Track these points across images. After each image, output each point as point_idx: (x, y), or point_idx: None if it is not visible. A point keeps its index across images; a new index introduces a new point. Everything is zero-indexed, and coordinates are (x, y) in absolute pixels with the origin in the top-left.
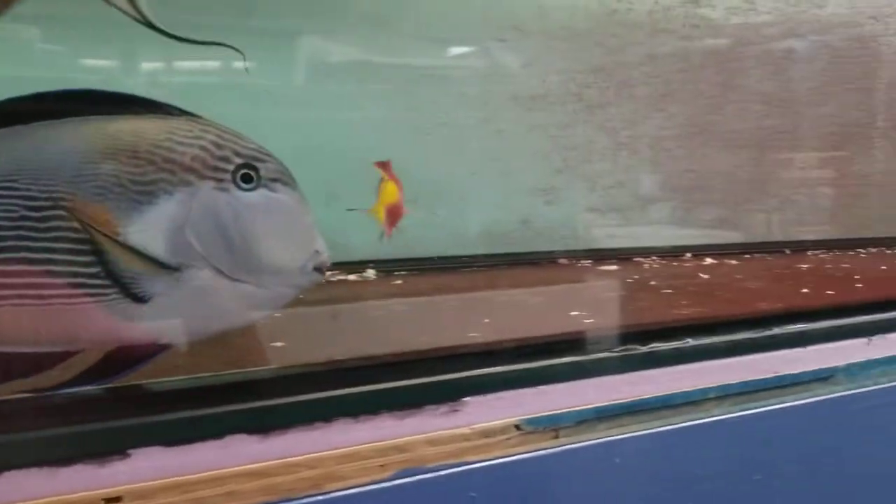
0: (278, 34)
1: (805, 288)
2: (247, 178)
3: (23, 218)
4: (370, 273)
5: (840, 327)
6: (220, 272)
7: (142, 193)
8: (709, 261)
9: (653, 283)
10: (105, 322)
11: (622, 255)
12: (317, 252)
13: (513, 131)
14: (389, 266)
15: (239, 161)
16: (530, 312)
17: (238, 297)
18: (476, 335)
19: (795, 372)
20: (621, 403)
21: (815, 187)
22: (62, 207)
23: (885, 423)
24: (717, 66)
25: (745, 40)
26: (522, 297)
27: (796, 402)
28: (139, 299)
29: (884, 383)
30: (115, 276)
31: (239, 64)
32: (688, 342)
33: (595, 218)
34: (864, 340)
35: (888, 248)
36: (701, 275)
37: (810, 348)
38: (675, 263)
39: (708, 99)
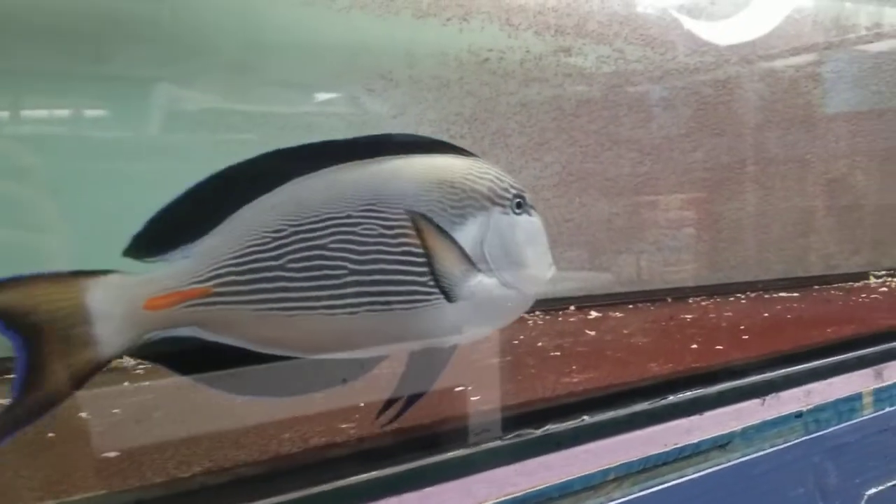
0: (133, 81)
1: (694, 343)
2: (518, 205)
3: (380, 235)
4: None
5: (734, 389)
6: (500, 280)
7: (456, 216)
8: (594, 314)
9: (539, 343)
10: (423, 323)
11: None
12: (551, 264)
13: None
14: None
15: (514, 192)
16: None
17: (507, 301)
18: (350, 427)
19: (694, 441)
20: (517, 497)
21: (691, 232)
22: (406, 227)
23: (783, 485)
24: (591, 114)
25: (616, 88)
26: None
27: (696, 475)
28: (451, 301)
29: (780, 444)
30: (441, 281)
31: (91, 112)
32: (584, 420)
33: None
34: (758, 401)
35: (765, 291)
36: (587, 331)
37: (707, 414)
38: (560, 318)
39: (583, 147)
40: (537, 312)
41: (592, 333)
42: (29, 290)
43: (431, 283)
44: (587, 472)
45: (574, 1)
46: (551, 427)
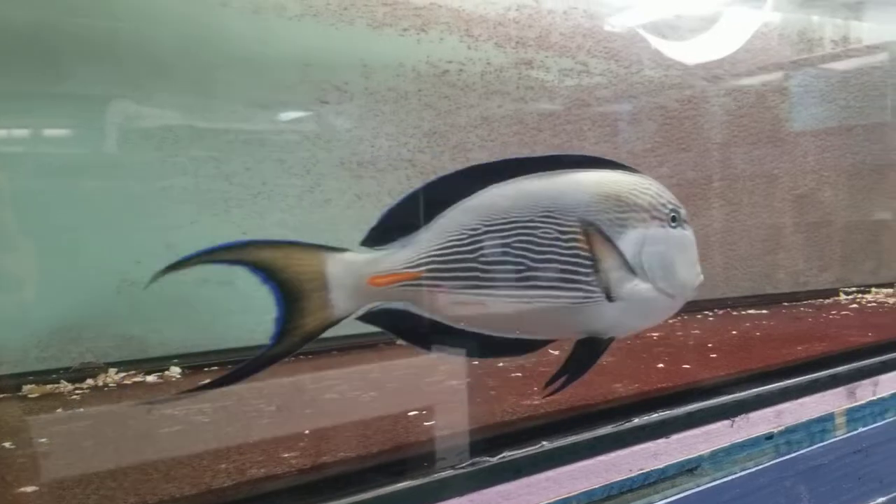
0: (89, 100)
1: (660, 362)
2: (674, 220)
3: (555, 239)
4: (175, 371)
5: (702, 410)
6: (654, 286)
7: (620, 226)
8: None
9: (501, 363)
10: (585, 317)
11: None
12: (698, 273)
13: (340, 200)
14: (200, 360)
15: (671, 207)
16: (356, 415)
17: (658, 304)
18: (294, 456)
19: (660, 466)
20: None
21: None
22: (577, 233)
23: None
24: (554, 128)
25: (580, 102)
26: (351, 396)
27: (662, 502)
28: (611, 300)
29: (750, 468)
30: (603, 283)
31: (50, 132)
32: (544, 445)
33: None
34: (727, 423)
35: (733, 309)
36: (551, 350)
37: (674, 437)
38: None
39: None
40: None
41: (556, 353)
42: (285, 253)
43: (595, 283)
44: (548, 501)
45: (536, 13)
46: (508, 453)
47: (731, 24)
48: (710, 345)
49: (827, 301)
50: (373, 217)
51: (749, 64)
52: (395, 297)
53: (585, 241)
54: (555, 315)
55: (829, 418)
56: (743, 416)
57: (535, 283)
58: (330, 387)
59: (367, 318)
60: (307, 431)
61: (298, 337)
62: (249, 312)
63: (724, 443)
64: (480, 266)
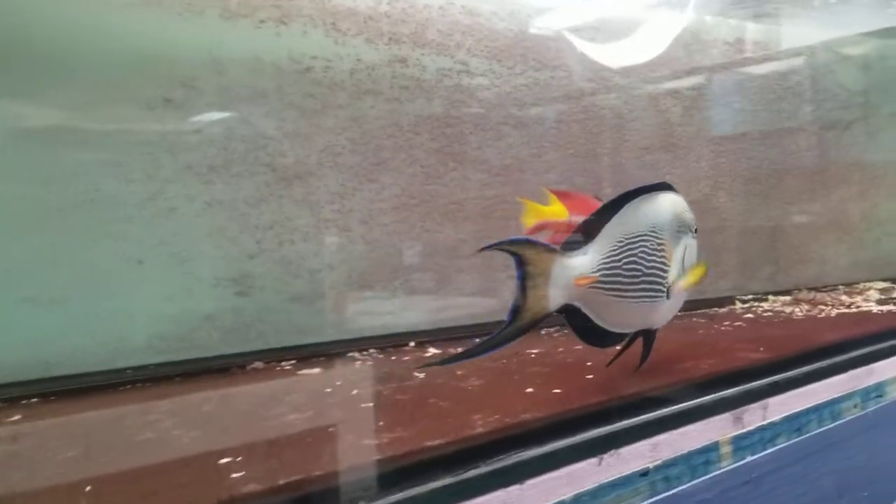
0: None
1: (531, 386)
2: (694, 230)
3: (655, 249)
4: None
5: (565, 448)
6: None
7: (676, 238)
8: (432, 350)
9: (355, 391)
10: (654, 312)
11: (335, 352)
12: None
13: (188, 209)
14: (14, 391)
15: (693, 219)
16: (154, 462)
17: (681, 300)
18: None
19: None
20: None
21: None
22: (664, 244)
23: None
24: (432, 131)
25: (460, 104)
26: (172, 434)
27: None
28: (668, 297)
29: None
30: (668, 284)
31: None
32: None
33: (300, 308)
34: (594, 461)
35: None
36: (418, 374)
37: (529, 483)
38: (393, 357)
39: (425, 167)
40: (371, 350)
41: (421, 376)
42: (530, 248)
43: (666, 284)
44: None
45: (410, 7)
46: None
47: (625, 25)
48: (589, 363)
49: (722, 310)
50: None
51: (642, 66)
52: (586, 297)
53: (666, 251)
54: (644, 311)
55: (713, 448)
56: (613, 451)
57: (644, 286)
58: (153, 422)
59: (565, 313)
60: (88, 489)
61: (523, 322)
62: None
63: (590, 484)
64: (621, 272)
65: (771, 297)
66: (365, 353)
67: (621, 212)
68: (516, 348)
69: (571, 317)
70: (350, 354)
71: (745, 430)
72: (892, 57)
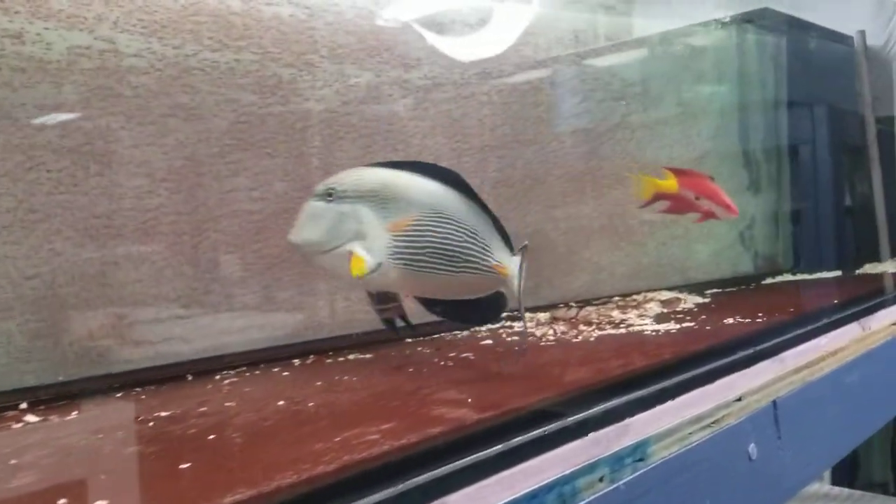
0: None
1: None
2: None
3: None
4: None
5: None
6: None
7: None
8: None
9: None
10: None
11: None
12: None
13: None
14: None
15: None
16: None
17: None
18: None
19: None
20: None
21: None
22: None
23: None
24: (65, 126)
25: (106, 92)
26: None
27: None
28: None
29: None
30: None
31: None
32: None
33: None
34: None
35: (338, 352)
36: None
37: None
38: None
39: (51, 172)
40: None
41: (204, 409)
42: None
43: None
44: None
45: None
46: None
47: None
48: (236, 429)
49: (461, 335)
50: None
51: (360, 52)
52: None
53: None
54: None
55: None
56: None
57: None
58: None
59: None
60: None
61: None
62: None
63: None
64: None
65: (528, 315)
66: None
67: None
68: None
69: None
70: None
71: None
72: (683, 46)
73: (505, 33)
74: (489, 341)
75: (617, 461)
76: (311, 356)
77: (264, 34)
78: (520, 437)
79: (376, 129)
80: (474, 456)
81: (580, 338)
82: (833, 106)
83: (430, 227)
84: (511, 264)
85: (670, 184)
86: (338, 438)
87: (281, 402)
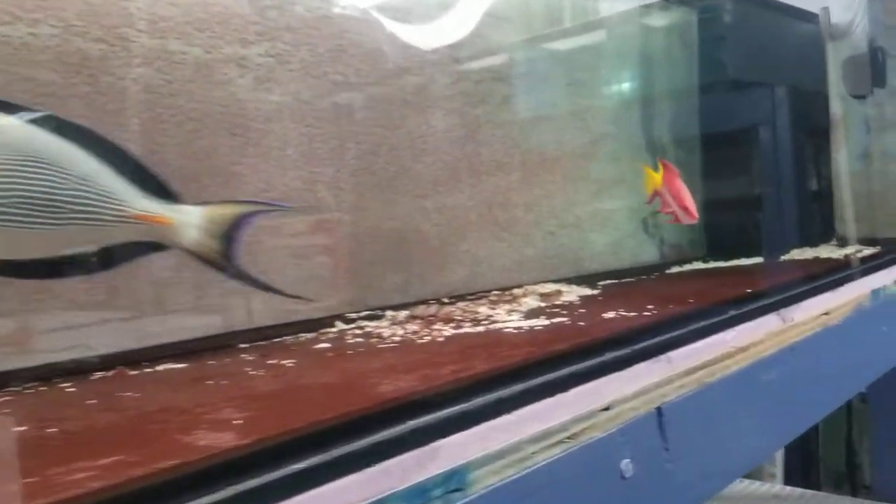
0: None
1: None
2: None
3: None
4: None
5: None
6: None
7: None
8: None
9: None
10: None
11: None
12: None
13: None
14: None
15: None
16: None
17: None
18: None
19: None
20: None
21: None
22: None
23: None
24: None
25: None
26: None
27: None
28: None
29: None
30: None
31: None
32: None
33: None
34: None
35: (143, 363)
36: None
37: None
38: None
39: None
40: None
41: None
42: None
43: None
44: None
45: None
46: None
47: None
48: None
49: (307, 336)
50: None
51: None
52: None
53: None
54: None
55: None
56: None
57: None
58: None
59: None
60: None
61: None
62: None
63: None
64: None
65: (390, 313)
66: None
67: None
68: None
69: None
70: None
71: None
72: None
73: (366, 1)
74: (327, 344)
75: (418, 495)
76: (117, 368)
77: (67, 5)
78: (281, 471)
79: (208, 112)
80: (208, 497)
81: (428, 338)
82: (767, 86)
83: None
84: (178, 214)
85: (659, 178)
86: (33, 479)
87: (24, 427)
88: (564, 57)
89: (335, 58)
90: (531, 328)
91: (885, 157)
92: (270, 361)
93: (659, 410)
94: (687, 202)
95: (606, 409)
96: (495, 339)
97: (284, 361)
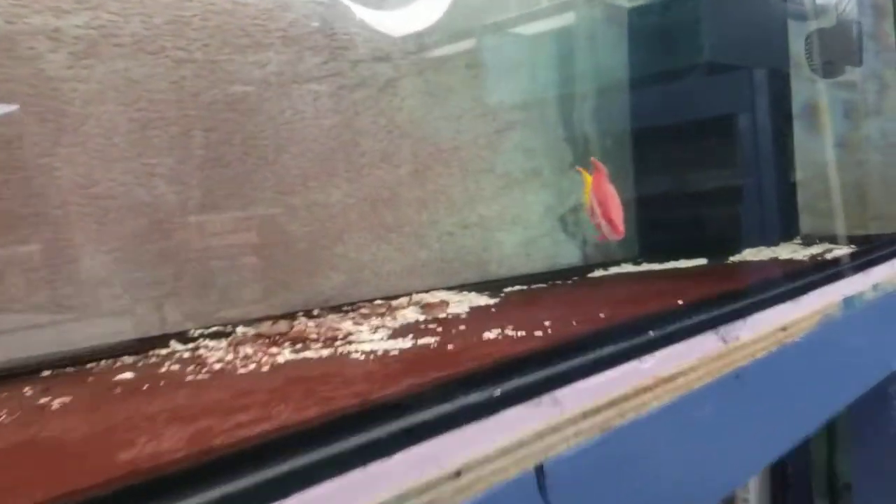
0: None
1: None
2: None
3: None
4: None
5: None
6: None
7: None
8: None
9: None
10: None
11: None
12: None
13: None
14: None
15: None
16: None
17: None
18: None
19: None
20: None
21: None
22: None
23: None
24: None
25: None
26: None
27: None
28: None
29: None
30: None
31: None
32: None
33: None
34: None
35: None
36: None
37: None
38: None
39: None
40: None
41: None
42: None
43: None
44: None
45: None
46: None
47: None
48: None
49: (124, 361)
50: None
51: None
52: None
53: None
54: None
55: None
56: None
57: None
58: None
59: None
60: None
61: None
62: None
63: None
64: None
65: (240, 330)
66: None
67: None
68: None
69: None
70: None
71: None
72: None
73: None
74: (130, 374)
75: None
76: None
77: None
78: None
79: (14, 92)
80: None
81: (254, 366)
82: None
83: None
84: None
85: (588, 181)
86: None
87: None
88: (464, 35)
89: (176, 31)
90: (385, 353)
91: (866, 144)
92: (42, 400)
93: (539, 470)
94: (613, 213)
95: (457, 474)
96: (332, 370)
97: (58, 400)
